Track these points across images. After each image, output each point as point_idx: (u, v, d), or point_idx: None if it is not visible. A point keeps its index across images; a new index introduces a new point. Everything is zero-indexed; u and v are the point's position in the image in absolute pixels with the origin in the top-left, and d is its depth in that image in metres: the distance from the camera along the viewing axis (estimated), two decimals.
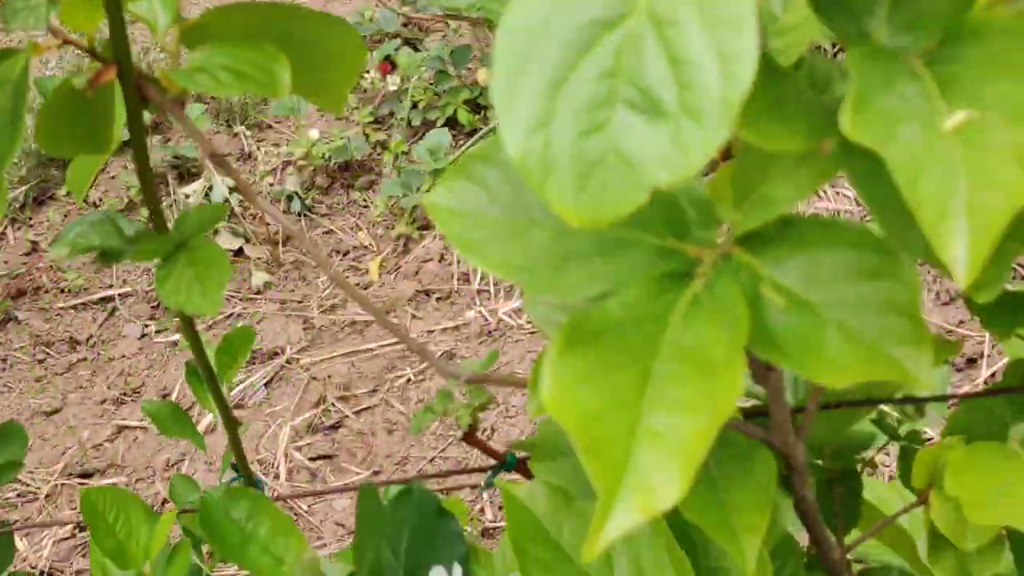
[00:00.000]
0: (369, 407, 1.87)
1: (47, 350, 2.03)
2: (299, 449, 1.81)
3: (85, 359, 1.99)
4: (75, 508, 1.72)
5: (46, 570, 1.67)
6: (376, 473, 1.80)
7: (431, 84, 2.52)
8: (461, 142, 2.37)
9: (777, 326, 0.44)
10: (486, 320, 2.03)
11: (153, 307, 2.16)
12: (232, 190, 2.37)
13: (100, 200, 2.46)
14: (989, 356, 1.74)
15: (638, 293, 0.45)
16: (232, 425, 0.82)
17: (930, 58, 0.42)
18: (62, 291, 2.20)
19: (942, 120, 0.39)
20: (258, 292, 2.12)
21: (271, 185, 2.35)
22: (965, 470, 0.62)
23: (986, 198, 0.37)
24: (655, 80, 0.37)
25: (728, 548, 0.56)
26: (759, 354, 0.43)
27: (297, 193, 2.28)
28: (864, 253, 0.44)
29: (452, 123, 2.46)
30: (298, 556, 0.74)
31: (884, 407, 0.79)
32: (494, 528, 1.50)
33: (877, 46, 0.43)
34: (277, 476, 1.81)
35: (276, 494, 1.75)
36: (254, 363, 1.99)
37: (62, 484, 1.75)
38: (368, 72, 2.61)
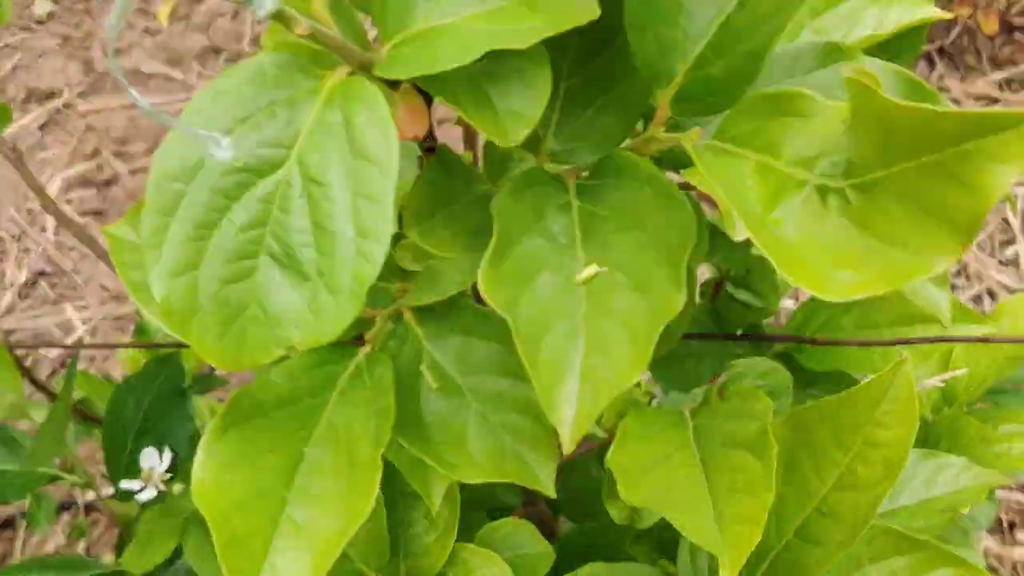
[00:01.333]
0: (144, 167, 1.84)
1: None
2: (69, 202, 1.78)
3: None
4: None
5: None
6: None
7: None
8: None
9: (428, 413, 0.48)
10: None
11: None
12: None
13: None
14: None
15: (307, 359, 0.48)
16: None
17: (582, 187, 0.44)
18: None
19: (577, 270, 0.42)
20: (39, 22, 2.01)
21: None
22: (631, 438, 0.66)
23: (600, 367, 0.40)
24: (299, 239, 0.39)
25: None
26: (407, 444, 0.47)
27: None
28: (511, 351, 0.48)
29: None
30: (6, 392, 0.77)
31: None
32: None
33: (539, 167, 0.45)
34: (44, 229, 1.79)
35: (42, 248, 1.74)
36: (30, 102, 1.91)
37: None
38: None
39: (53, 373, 1.64)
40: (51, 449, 0.76)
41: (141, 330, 1.11)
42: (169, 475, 0.78)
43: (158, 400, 0.82)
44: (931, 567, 0.61)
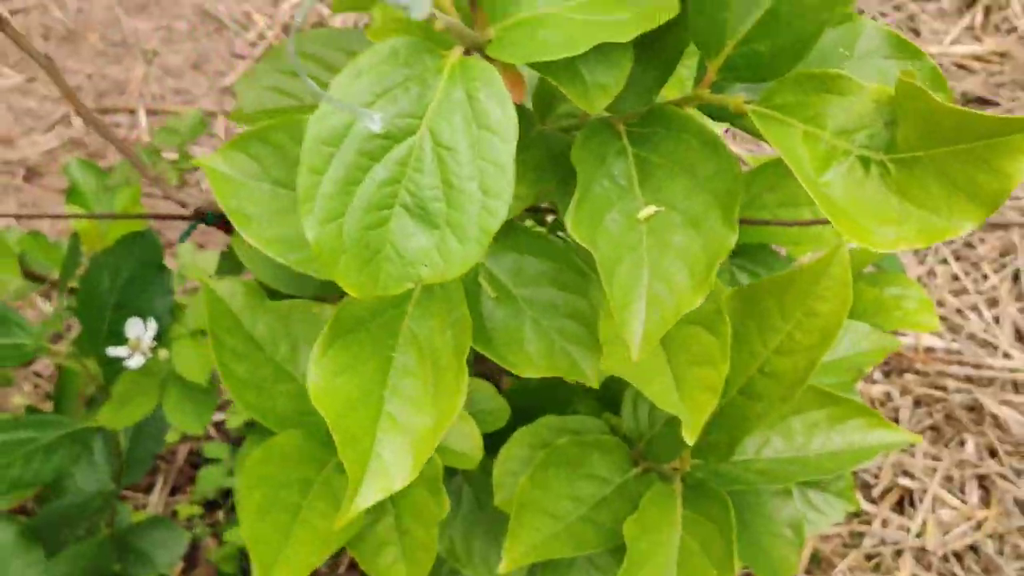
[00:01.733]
0: (24, 8, 1.81)
1: None
2: None
3: None
4: None
5: None
6: (31, 80, 1.77)
7: None
8: None
9: (489, 319, 0.56)
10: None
11: None
12: None
13: None
14: None
15: None
16: None
17: (632, 134, 0.53)
18: None
19: (638, 209, 0.51)
20: None
21: None
22: None
23: (662, 294, 0.50)
24: (430, 194, 0.46)
25: None
26: (475, 346, 0.55)
27: None
28: (563, 268, 0.57)
29: None
30: (10, 279, 0.82)
31: None
32: None
33: (599, 119, 0.53)
34: None
35: None
36: None
37: None
38: None
39: None
40: (53, 326, 0.81)
41: (74, 192, 1.14)
42: (155, 343, 0.84)
43: (136, 273, 0.88)
44: (846, 418, 0.74)
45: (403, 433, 0.52)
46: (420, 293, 0.55)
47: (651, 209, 0.51)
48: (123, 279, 0.87)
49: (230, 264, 0.97)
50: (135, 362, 0.83)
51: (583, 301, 0.57)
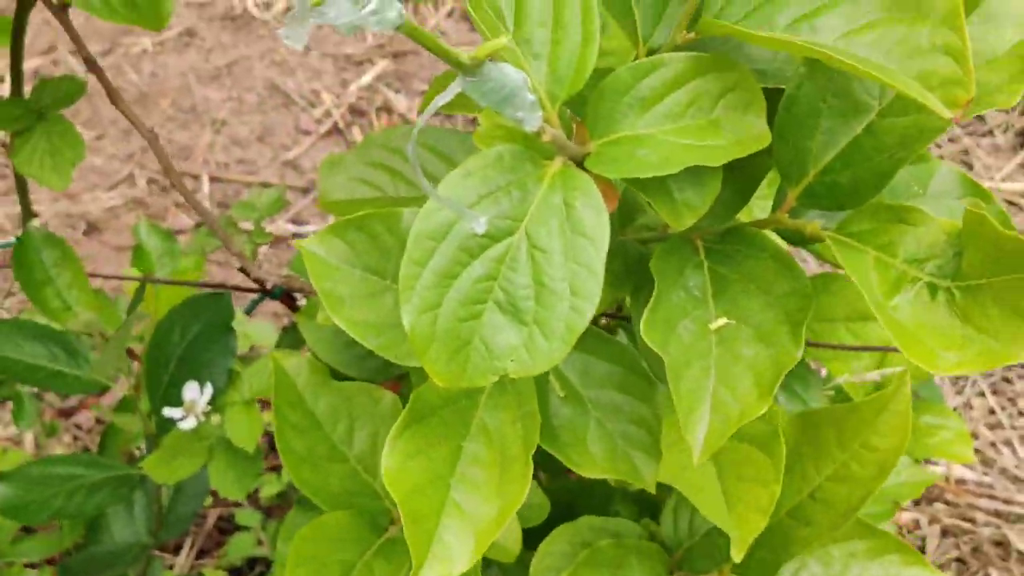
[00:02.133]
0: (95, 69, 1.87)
1: None
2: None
3: None
4: None
5: None
6: (99, 138, 1.82)
7: None
8: None
9: (555, 416, 0.59)
10: (232, 4, 2.02)
11: None
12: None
13: None
14: None
15: None
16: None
17: (710, 250, 0.56)
18: None
19: (710, 320, 0.54)
20: None
21: None
22: None
23: (727, 400, 0.52)
24: (522, 293, 0.49)
25: None
26: (540, 442, 0.58)
27: None
28: (629, 373, 0.59)
29: None
30: (83, 310, 0.85)
31: None
32: None
33: (679, 235, 0.56)
34: None
35: None
36: None
37: None
38: None
39: None
40: (113, 363, 0.84)
41: (139, 253, 1.17)
42: (209, 407, 0.87)
43: (204, 333, 0.91)
44: (884, 552, 0.75)
45: (467, 519, 0.54)
46: (493, 386, 0.57)
47: (723, 321, 0.53)
48: (192, 335, 0.90)
49: (291, 339, 1.00)
50: (187, 424, 0.86)
51: (647, 408, 0.59)
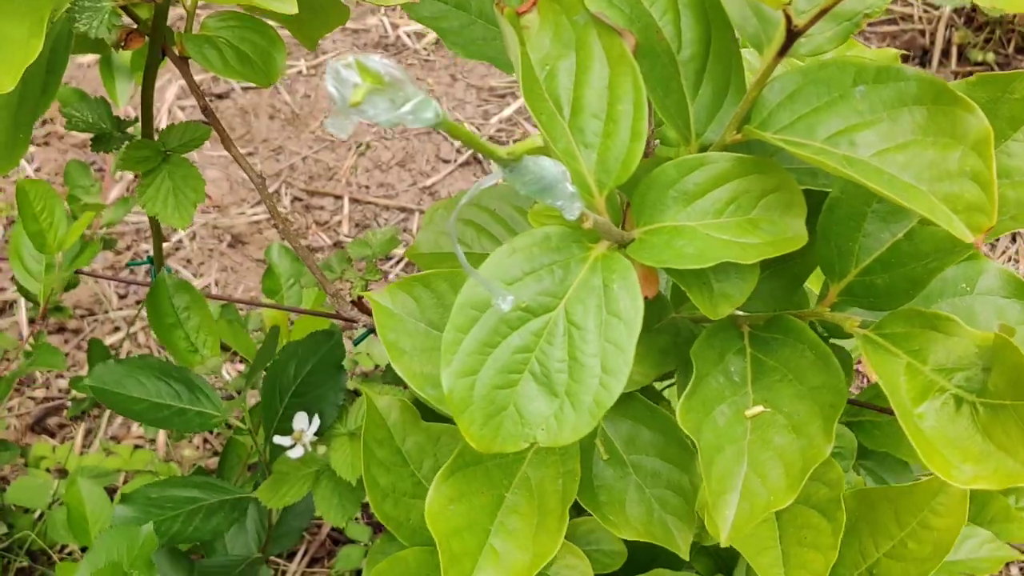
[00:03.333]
0: (256, 87, 1.97)
1: None
2: (183, 109, 1.91)
3: None
4: None
5: None
6: (251, 154, 1.92)
7: None
8: None
9: (597, 477, 0.62)
10: (386, 32, 2.10)
11: None
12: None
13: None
14: None
15: None
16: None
17: (754, 337, 0.58)
18: None
19: (747, 406, 0.56)
20: None
21: None
22: None
23: (757, 488, 0.54)
24: (557, 365, 0.52)
25: None
26: (580, 499, 0.61)
27: None
28: (670, 442, 0.62)
29: None
30: (209, 355, 0.92)
31: None
32: None
33: (726, 321, 0.59)
34: (158, 129, 1.92)
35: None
36: None
37: None
38: None
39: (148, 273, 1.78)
40: (237, 405, 0.90)
41: (270, 274, 1.24)
42: (316, 437, 0.92)
43: (317, 369, 0.96)
44: None
45: (502, 565, 0.58)
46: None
47: (758, 408, 0.55)
48: (306, 371, 0.96)
49: (394, 372, 1.05)
50: (296, 453, 0.91)
51: (685, 477, 0.62)
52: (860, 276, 0.55)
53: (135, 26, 0.72)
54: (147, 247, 1.85)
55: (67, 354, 1.74)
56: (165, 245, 1.84)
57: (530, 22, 0.54)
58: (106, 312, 1.80)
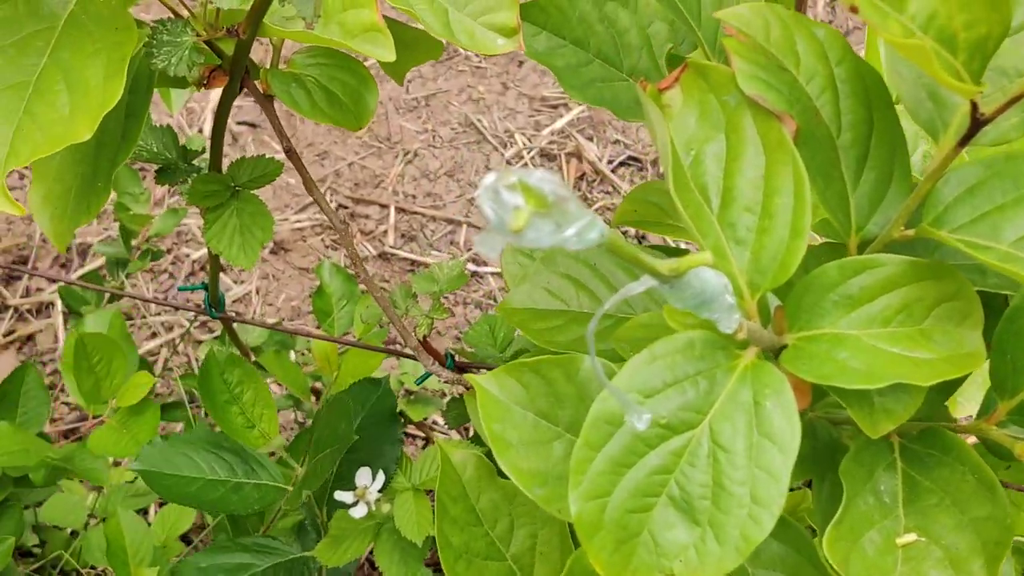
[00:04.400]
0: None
1: None
2: (239, 128, 1.86)
3: None
4: None
5: None
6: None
7: None
8: None
9: None
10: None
11: None
12: None
13: None
14: None
15: None
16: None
17: (905, 450, 0.52)
18: None
19: (898, 533, 0.50)
20: None
21: None
22: None
23: None
24: (698, 491, 0.46)
25: None
26: None
27: None
28: (804, 561, 0.56)
29: None
30: (267, 430, 0.85)
31: None
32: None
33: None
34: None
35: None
36: None
37: None
38: None
39: (190, 275, 1.73)
40: (311, 486, 0.84)
41: (321, 294, 1.19)
42: (380, 494, 0.87)
43: (370, 419, 0.90)
44: None
45: None
46: None
47: (911, 537, 0.49)
48: (356, 424, 0.90)
49: (458, 410, 0.99)
50: (359, 512, 0.85)
51: None
52: None
53: (219, 62, 0.66)
54: (188, 251, 1.79)
55: None
56: (203, 250, 1.79)
57: (672, 100, 0.48)
58: (143, 317, 1.75)
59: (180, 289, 1.00)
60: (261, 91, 0.69)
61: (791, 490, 0.69)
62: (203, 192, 0.74)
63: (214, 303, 1.01)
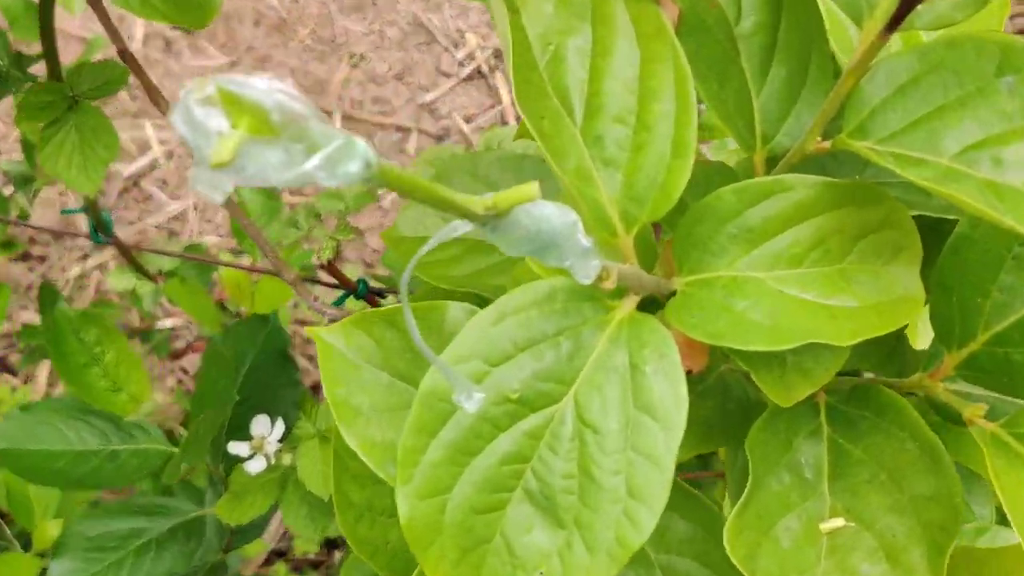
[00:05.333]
0: None
1: None
2: (150, 35, 1.72)
3: None
4: None
5: None
6: (233, 64, 1.74)
7: None
8: None
9: None
10: None
11: None
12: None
13: None
14: None
15: None
16: None
17: (833, 410, 0.42)
18: None
19: (822, 516, 0.40)
20: None
21: None
22: None
23: None
24: (561, 484, 0.37)
25: None
26: None
27: None
28: (712, 541, 0.47)
29: None
30: (136, 393, 0.75)
31: None
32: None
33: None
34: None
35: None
36: None
37: None
38: None
39: (123, 192, 1.62)
40: (195, 456, 0.74)
41: (238, 234, 1.08)
42: (280, 444, 0.77)
43: (261, 362, 0.80)
44: None
45: None
46: None
47: (838, 522, 0.40)
48: (246, 367, 0.80)
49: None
50: (256, 465, 0.76)
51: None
52: (990, 345, 0.39)
53: None
54: (119, 167, 1.68)
55: (29, 285, 1.59)
56: (138, 164, 1.67)
57: None
58: (76, 238, 1.64)
59: (63, 213, 0.89)
60: None
61: (700, 457, 0.60)
62: (36, 104, 0.63)
63: (100, 227, 0.91)
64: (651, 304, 0.38)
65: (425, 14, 1.80)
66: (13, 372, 1.53)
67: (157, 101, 0.61)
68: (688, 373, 0.38)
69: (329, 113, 1.72)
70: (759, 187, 0.37)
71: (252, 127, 0.23)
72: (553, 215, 0.31)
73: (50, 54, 0.63)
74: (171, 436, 0.76)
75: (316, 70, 1.75)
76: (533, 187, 0.29)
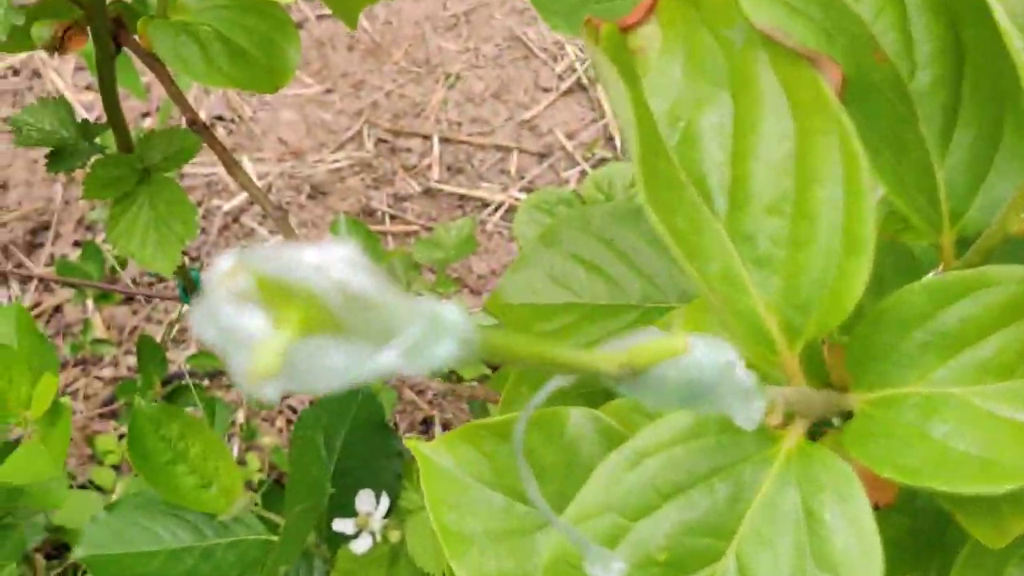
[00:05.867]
0: (332, 15, 1.74)
1: None
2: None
3: None
4: None
5: None
6: (329, 91, 1.70)
7: None
8: None
9: None
10: None
11: None
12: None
13: None
14: None
15: None
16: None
17: None
18: None
19: None
20: None
21: None
22: None
23: None
24: None
25: None
26: None
27: None
28: None
29: None
30: (228, 488, 0.69)
31: None
32: None
33: None
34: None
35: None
36: None
37: None
38: None
39: (223, 229, 1.59)
40: (291, 556, 0.67)
41: None
42: (385, 520, 0.71)
43: (356, 433, 0.74)
44: None
45: None
46: None
47: None
48: (340, 441, 0.74)
49: (481, 405, 0.84)
50: (363, 545, 0.70)
51: None
52: None
53: (76, 17, 0.50)
54: (219, 203, 1.65)
55: (135, 328, 1.57)
56: (238, 199, 1.64)
57: (645, 42, 0.30)
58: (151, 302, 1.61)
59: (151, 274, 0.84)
60: (144, 48, 0.52)
61: None
62: (104, 180, 0.58)
63: (188, 288, 0.86)
64: (821, 423, 0.31)
65: (521, 28, 1.74)
66: (118, 418, 1.51)
67: (235, 173, 0.55)
68: (875, 508, 0.30)
69: (426, 137, 1.67)
70: (955, 284, 0.29)
71: (303, 322, 0.17)
72: (704, 359, 0.24)
73: (117, 123, 0.58)
74: (266, 520, 0.71)
75: (412, 92, 1.70)
76: (681, 340, 0.22)
